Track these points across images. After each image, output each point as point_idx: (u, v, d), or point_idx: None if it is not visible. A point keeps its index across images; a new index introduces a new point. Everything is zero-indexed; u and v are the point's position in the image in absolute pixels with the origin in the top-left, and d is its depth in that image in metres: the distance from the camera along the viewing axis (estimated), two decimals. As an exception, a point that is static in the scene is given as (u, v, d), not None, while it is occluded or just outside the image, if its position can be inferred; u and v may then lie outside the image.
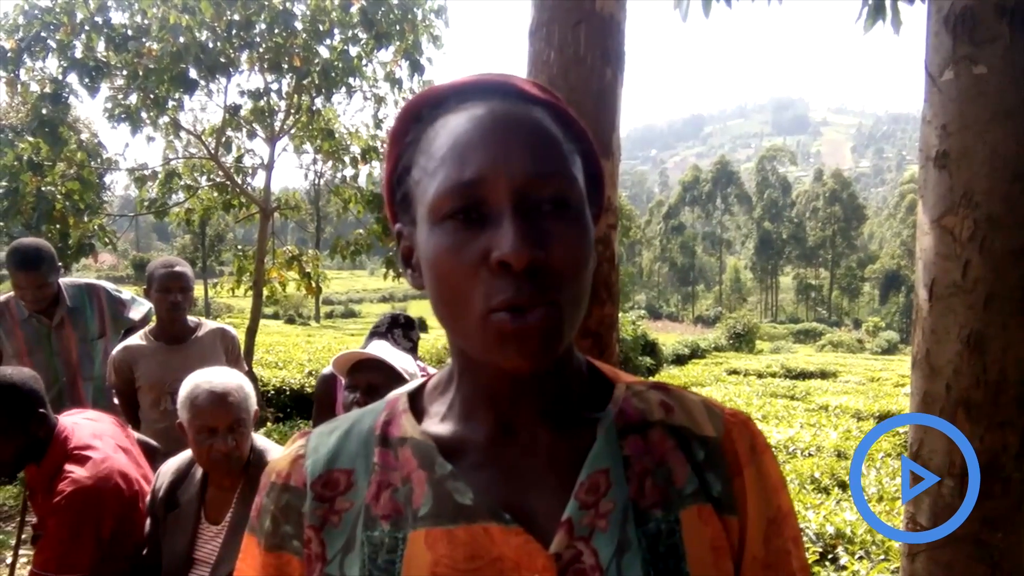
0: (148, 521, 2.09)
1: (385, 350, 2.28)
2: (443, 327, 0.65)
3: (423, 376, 0.77)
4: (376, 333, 2.93)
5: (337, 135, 8.29)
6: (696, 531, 0.65)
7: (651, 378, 0.78)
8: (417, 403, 0.73)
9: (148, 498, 2.10)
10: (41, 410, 2.00)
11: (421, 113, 0.67)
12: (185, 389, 2.01)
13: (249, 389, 2.07)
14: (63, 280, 3.29)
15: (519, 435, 0.67)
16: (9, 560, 3.34)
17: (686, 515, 0.65)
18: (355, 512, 0.66)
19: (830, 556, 3.46)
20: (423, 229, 0.62)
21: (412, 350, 2.94)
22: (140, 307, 3.39)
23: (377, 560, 0.63)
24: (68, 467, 1.96)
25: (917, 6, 2.35)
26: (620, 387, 0.71)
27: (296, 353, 11.12)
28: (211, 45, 6.51)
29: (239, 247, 9.17)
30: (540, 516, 0.63)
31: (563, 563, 0.61)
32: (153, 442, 2.49)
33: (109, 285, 3.47)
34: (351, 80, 7.54)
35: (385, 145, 8.10)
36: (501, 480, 0.65)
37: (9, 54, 6.23)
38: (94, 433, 2.11)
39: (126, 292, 3.52)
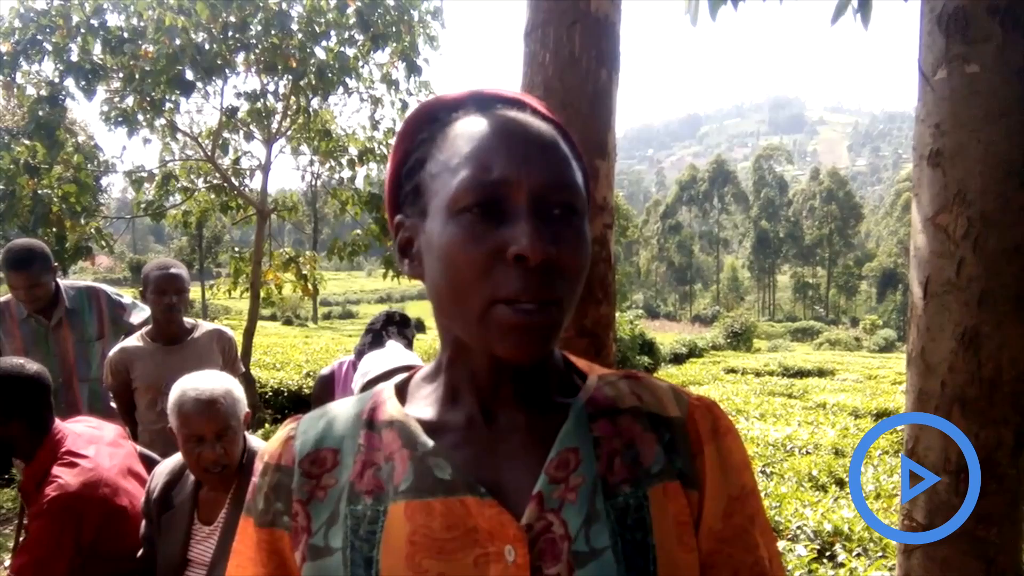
0: (143, 523, 2.08)
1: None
2: (441, 315, 0.70)
3: None
4: (371, 331, 2.94)
5: (334, 136, 8.29)
6: (662, 507, 0.69)
7: (627, 370, 0.82)
8: (403, 392, 0.77)
9: (142, 500, 2.10)
10: (14, 412, 1.97)
11: (438, 114, 0.71)
12: (173, 396, 1.98)
13: (239, 393, 2.04)
14: (64, 282, 3.30)
15: (498, 418, 0.71)
16: (8, 563, 3.34)
17: (653, 492, 0.69)
18: (340, 488, 0.70)
19: (828, 553, 3.47)
20: (437, 220, 0.65)
21: (406, 348, 2.94)
22: (140, 312, 3.39)
23: (359, 531, 0.67)
24: (55, 471, 1.94)
25: (911, 4, 2.31)
26: (592, 377, 0.76)
27: (294, 354, 11.12)
28: (207, 47, 6.50)
29: (236, 249, 9.16)
30: (514, 491, 0.67)
31: (534, 533, 0.65)
32: (156, 456, 2.48)
33: (110, 289, 3.48)
34: (348, 81, 7.54)
35: (382, 144, 8.05)
36: (479, 457, 0.69)
37: (5, 57, 6.22)
38: (90, 440, 2.09)
39: (127, 297, 3.52)
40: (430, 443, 0.69)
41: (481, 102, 0.70)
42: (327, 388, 2.91)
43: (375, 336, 2.87)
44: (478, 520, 0.65)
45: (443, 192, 0.65)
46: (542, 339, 0.63)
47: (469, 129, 0.67)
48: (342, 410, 0.76)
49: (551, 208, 0.64)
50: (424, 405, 0.74)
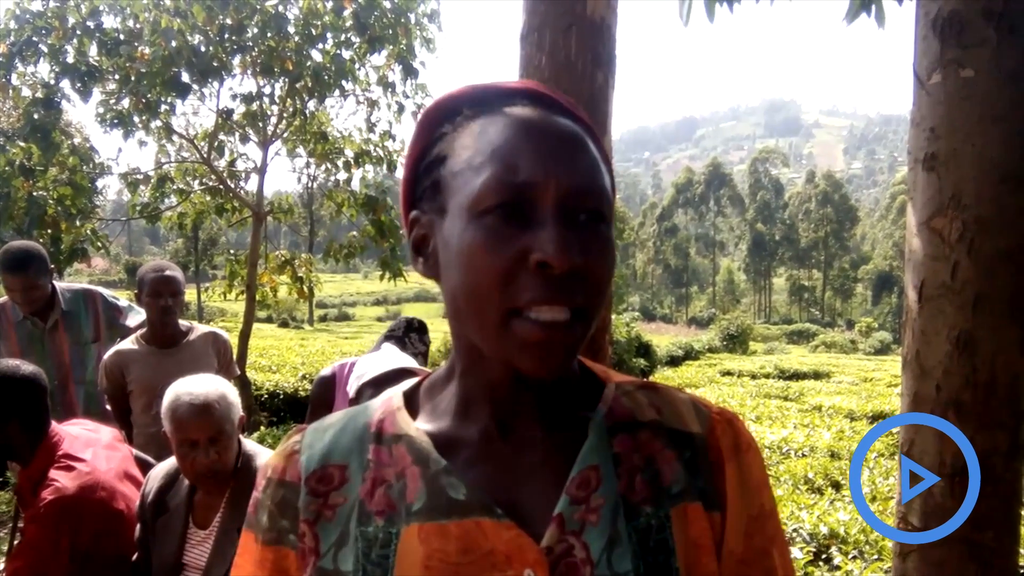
0: (138, 527, 2.07)
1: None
2: (456, 320, 0.66)
3: None
4: (392, 336, 2.92)
5: (330, 138, 8.28)
6: (685, 528, 0.66)
7: (645, 379, 0.79)
8: (413, 401, 0.74)
9: (137, 503, 2.09)
10: (10, 414, 1.96)
11: (461, 108, 0.67)
12: (167, 400, 1.97)
13: (233, 398, 2.02)
14: (60, 284, 3.30)
15: (514, 432, 0.68)
16: (2, 566, 3.32)
17: (676, 512, 0.66)
18: (349, 507, 0.67)
19: (824, 556, 3.47)
20: (458, 220, 0.62)
21: (424, 355, 2.94)
22: (137, 315, 3.38)
23: (371, 555, 0.64)
24: (53, 474, 1.93)
25: (906, 7, 2.32)
26: (610, 387, 0.72)
27: (289, 357, 11.12)
28: (203, 49, 6.49)
29: (232, 251, 9.14)
30: (532, 511, 0.64)
31: (554, 556, 0.62)
32: (151, 459, 2.47)
33: (106, 291, 3.48)
34: (344, 84, 7.53)
35: (378, 147, 8.00)
36: (494, 476, 0.66)
37: (0, 59, 6.21)
38: (87, 443, 2.08)
39: (123, 300, 3.52)
40: (442, 461, 0.66)
41: (509, 97, 0.66)
42: (327, 390, 2.90)
43: (397, 342, 2.86)
44: (495, 543, 0.62)
45: (465, 191, 0.61)
46: (564, 354, 0.60)
47: (495, 126, 0.63)
48: (349, 421, 0.72)
49: (577, 213, 0.60)
50: (435, 416, 0.71)
